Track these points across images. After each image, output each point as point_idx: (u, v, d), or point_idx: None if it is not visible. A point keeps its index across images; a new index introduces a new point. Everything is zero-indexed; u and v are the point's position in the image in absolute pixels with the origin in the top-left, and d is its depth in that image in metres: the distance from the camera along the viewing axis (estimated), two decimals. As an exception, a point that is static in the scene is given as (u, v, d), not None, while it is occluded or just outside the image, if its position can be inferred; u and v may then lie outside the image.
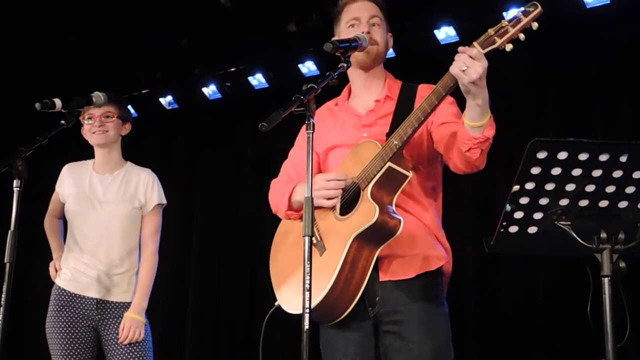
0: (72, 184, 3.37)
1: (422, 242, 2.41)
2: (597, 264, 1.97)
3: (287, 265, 2.48)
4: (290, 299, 2.40)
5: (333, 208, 2.40)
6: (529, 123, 4.40)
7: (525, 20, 2.13)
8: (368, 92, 2.58)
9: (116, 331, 3.21)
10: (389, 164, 2.29)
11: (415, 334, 2.31)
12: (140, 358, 3.21)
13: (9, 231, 2.51)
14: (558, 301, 4.07)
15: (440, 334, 2.37)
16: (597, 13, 4.19)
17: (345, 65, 2.30)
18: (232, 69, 5.43)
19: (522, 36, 2.14)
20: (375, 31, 2.52)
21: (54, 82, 5.12)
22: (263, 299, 4.85)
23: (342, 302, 2.30)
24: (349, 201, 2.38)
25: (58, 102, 2.60)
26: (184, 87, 5.67)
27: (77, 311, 3.24)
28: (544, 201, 1.95)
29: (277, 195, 2.57)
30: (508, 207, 1.95)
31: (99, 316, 3.25)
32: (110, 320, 3.24)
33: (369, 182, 2.31)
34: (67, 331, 3.20)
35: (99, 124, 3.30)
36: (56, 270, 3.35)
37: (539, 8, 2.13)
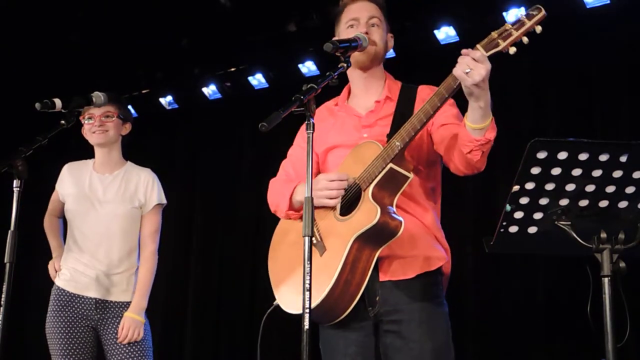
0: (72, 183, 3.37)
1: (423, 243, 2.42)
2: (597, 264, 1.97)
3: (286, 265, 2.48)
4: (289, 298, 2.40)
5: (333, 208, 2.40)
6: (529, 123, 4.40)
7: (529, 23, 2.13)
8: (368, 93, 2.58)
9: (116, 331, 3.21)
10: (391, 165, 2.29)
11: (416, 334, 2.32)
12: (140, 358, 3.21)
13: (9, 231, 2.50)
14: (558, 301, 4.07)
15: (441, 334, 2.37)
16: (597, 13, 4.19)
17: (345, 65, 2.30)
18: (232, 69, 5.43)
19: (525, 39, 2.14)
20: (374, 32, 2.52)
21: (54, 82, 5.12)
22: (263, 299, 4.84)
23: (342, 302, 2.30)
24: (349, 201, 2.38)
25: (58, 102, 2.60)
26: (184, 87, 5.67)
27: (76, 311, 3.24)
28: (544, 201, 1.95)
29: (277, 194, 2.57)
30: (508, 207, 1.95)
31: (99, 316, 3.25)
32: (110, 320, 3.24)
33: (370, 183, 2.31)
34: (67, 331, 3.20)
35: (99, 124, 3.30)
36: (55, 271, 3.35)
37: (543, 12, 2.13)
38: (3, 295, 2.46)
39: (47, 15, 4.95)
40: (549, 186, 1.92)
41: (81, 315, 3.24)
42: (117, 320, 3.22)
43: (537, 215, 1.98)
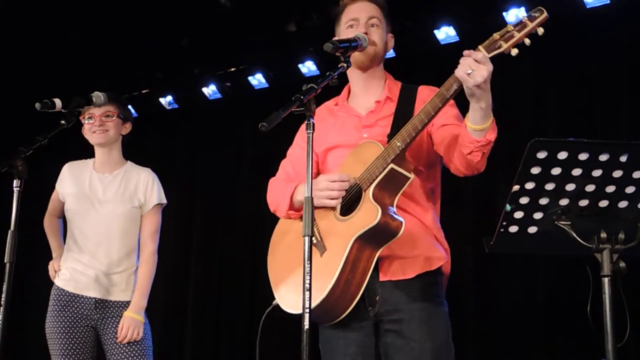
0: (72, 183, 3.37)
1: (423, 243, 2.42)
2: (597, 264, 1.97)
3: (286, 265, 2.48)
4: (289, 298, 2.40)
5: (333, 208, 2.40)
6: (529, 123, 4.40)
7: (531, 25, 2.13)
8: (368, 93, 2.58)
9: (115, 330, 3.20)
10: (392, 165, 2.29)
11: (416, 333, 2.32)
12: (140, 357, 3.21)
13: (9, 231, 2.50)
14: (558, 301, 4.07)
15: (441, 333, 2.37)
16: (597, 13, 4.19)
17: (345, 65, 2.30)
18: (232, 69, 5.43)
19: (527, 41, 2.14)
20: (373, 32, 2.52)
21: (54, 82, 5.12)
22: (263, 299, 4.84)
23: (343, 302, 2.30)
24: (349, 201, 2.38)
25: (58, 102, 2.60)
26: (184, 87, 5.68)
27: (76, 311, 3.24)
28: (544, 201, 1.95)
29: (278, 194, 2.56)
30: (508, 207, 1.95)
31: (98, 315, 3.25)
32: (110, 319, 3.24)
33: (371, 183, 2.31)
34: (67, 331, 3.20)
35: (99, 124, 3.30)
36: (55, 271, 3.35)
37: (545, 14, 2.13)
38: (3, 295, 2.45)
39: (47, 15, 4.95)
40: (549, 186, 1.92)
41: (81, 315, 3.24)
42: (117, 320, 3.22)
43: (537, 215, 1.98)
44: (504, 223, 1.99)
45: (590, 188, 1.92)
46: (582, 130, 4.14)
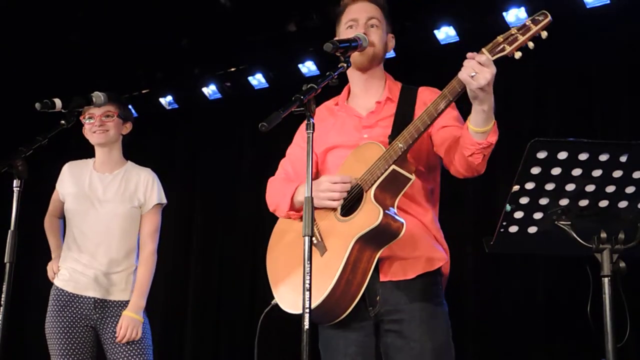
0: (72, 182, 3.37)
1: (424, 244, 2.42)
2: (597, 264, 1.97)
3: (285, 264, 2.48)
4: (288, 298, 2.40)
5: (334, 209, 2.39)
6: (529, 123, 4.39)
7: (534, 29, 2.14)
8: (368, 93, 2.57)
9: (115, 330, 3.20)
10: (394, 166, 2.29)
11: (417, 333, 2.32)
12: (140, 357, 3.21)
13: (9, 231, 2.50)
14: (558, 301, 4.07)
15: (441, 333, 2.38)
16: (597, 13, 4.19)
17: (345, 65, 2.30)
18: (232, 69, 5.43)
19: (531, 44, 2.15)
20: (373, 32, 2.51)
21: (54, 82, 5.12)
22: (263, 299, 4.84)
23: (343, 302, 2.30)
24: (350, 202, 2.38)
25: (58, 102, 2.60)
26: (184, 87, 5.67)
27: (76, 311, 3.24)
28: (544, 201, 1.95)
29: (278, 194, 2.56)
30: (508, 207, 1.95)
31: (98, 315, 3.25)
32: (109, 319, 3.24)
33: (373, 184, 2.31)
34: (67, 331, 3.20)
35: (100, 124, 3.30)
36: (54, 272, 3.35)
37: (549, 17, 2.14)
38: (3, 295, 2.45)
39: (47, 15, 4.94)
40: (549, 186, 1.92)
41: (80, 315, 3.24)
42: (117, 320, 3.22)
43: (537, 215, 1.98)
44: (504, 223, 1.99)
45: (590, 188, 1.92)
46: (582, 130, 4.14)
